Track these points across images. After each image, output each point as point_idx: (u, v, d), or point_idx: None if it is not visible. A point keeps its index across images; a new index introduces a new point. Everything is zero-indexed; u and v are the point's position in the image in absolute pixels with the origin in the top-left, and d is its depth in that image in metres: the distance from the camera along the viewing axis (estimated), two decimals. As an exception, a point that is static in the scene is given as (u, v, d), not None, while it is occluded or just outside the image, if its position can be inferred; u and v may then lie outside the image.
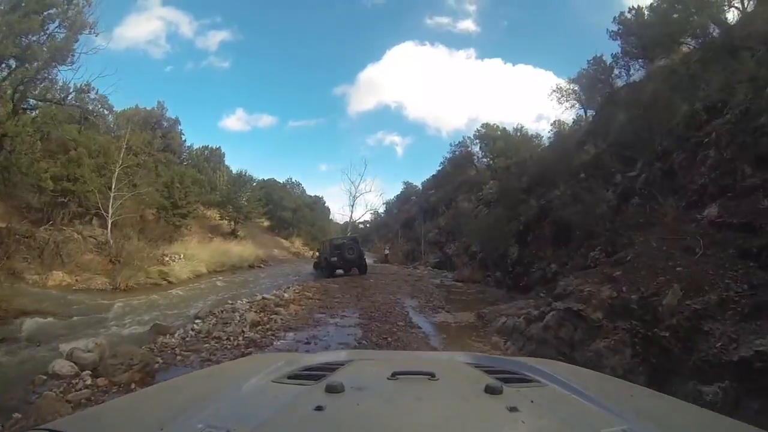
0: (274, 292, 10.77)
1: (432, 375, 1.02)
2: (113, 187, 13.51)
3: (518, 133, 32.17)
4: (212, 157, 31.90)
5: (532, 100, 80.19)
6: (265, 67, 68.34)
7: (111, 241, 12.36)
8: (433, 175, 39.46)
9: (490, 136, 31.61)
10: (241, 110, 77.44)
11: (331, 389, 0.88)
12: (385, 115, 72.49)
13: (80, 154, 12.79)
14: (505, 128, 31.97)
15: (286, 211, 34.41)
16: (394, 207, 51.10)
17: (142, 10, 64.86)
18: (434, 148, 79.63)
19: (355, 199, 33.78)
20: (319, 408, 0.80)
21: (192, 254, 14.66)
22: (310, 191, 41.45)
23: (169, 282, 12.07)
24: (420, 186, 45.15)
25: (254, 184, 30.00)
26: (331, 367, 1.14)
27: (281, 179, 40.65)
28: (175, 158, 23.08)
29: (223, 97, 68.92)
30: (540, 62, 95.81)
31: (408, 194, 48.81)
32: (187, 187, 18.82)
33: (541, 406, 0.90)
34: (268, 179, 39.09)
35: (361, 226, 50.22)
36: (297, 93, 69.86)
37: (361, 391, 0.92)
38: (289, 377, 1.08)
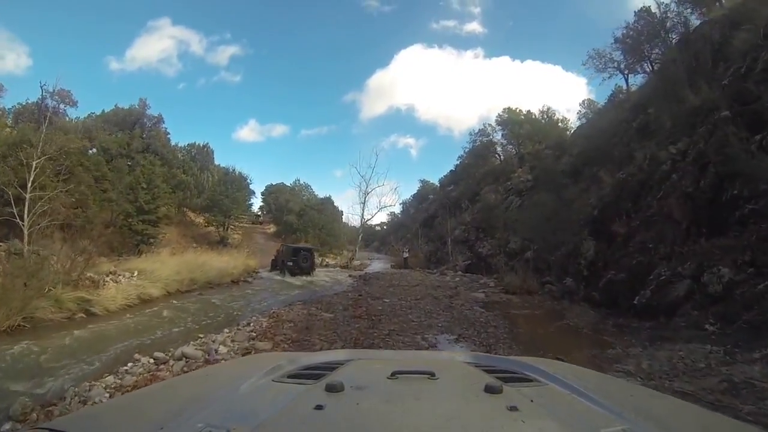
0: (225, 331, 7.49)
1: (432, 374, 1.02)
2: (28, 186, 11.30)
3: (545, 116, 29.70)
4: (200, 156, 27.88)
5: (543, 95, 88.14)
6: (276, 77, 73.65)
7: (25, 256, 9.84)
8: (451, 171, 38.41)
9: (513, 121, 29.41)
10: (254, 121, 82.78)
11: (331, 389, 0.90)
12: (396, 119, 77.28)
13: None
14: (530, 111, 29.89)
15: (291, 214, 32.36)
16: (411, 207, 50.50)
17: (153, 30, 71.15)
18: (447, 147, 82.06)
19: (366, 195, 30.28)
20: (318, 407, 0.80)
21: (151, 270, 12.06)
22: (324, 196, 39.95)
23: (90, 314, 8.85)
24: (437, 183, 43.86)
25: (247, 182, 26.40)
26: (331, 367, 1.15)
27: (289, 183, 39.97)
28: (156, 159, 19.04)
29: (236, 109, 73.01)
30: (548, 58, 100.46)
31: (425, 192, 47.99)
32: (156, 188, 14.73)
33: (540, 405, 0.89)
34: (276, 183, 39.22)
35: (377, 228, 48.66)
36: (308, 102, 74.95)
37: (360, 391, 0.93)
38: (289, 376, 1.09)
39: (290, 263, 18.78)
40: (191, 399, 0.94)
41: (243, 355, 5.40)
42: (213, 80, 66.79)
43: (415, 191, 49.99)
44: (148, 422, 0.82)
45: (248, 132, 78.95)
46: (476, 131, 32.35)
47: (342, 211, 37.39)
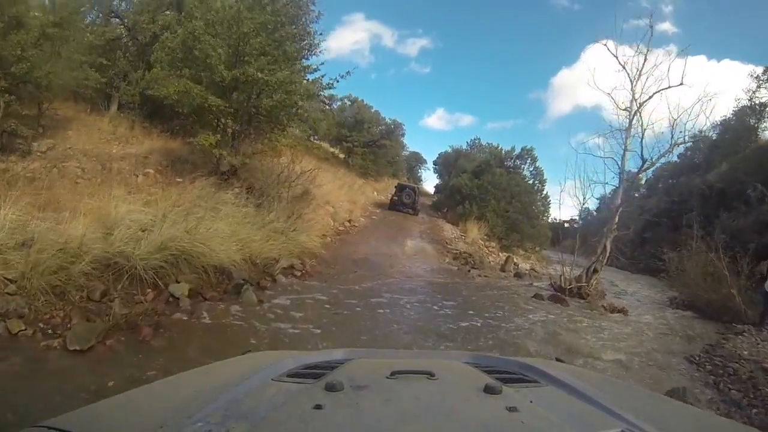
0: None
1: (431, 374, 1.02)
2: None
3: None
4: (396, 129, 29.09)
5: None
6: (463, 70, 78.80)
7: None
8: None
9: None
10: (442, 110, 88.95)
11: (330, 388, 0.89)
12: (583, 117, 70.29)
13: None
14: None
15: (464, 175, 21.62)
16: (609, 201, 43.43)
17: (347, 24, 75.85)
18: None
19: (636, 80, 12.02)
20: (317, 407, 0.80)
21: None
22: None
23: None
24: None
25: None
26: (330, 366, 1.15)
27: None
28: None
29: (424, 98, 78.79)
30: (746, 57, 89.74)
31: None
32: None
33: (540, 406, 0.90)
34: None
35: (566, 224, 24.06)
36: (493, 97, 77.56)
37: (360, 390, 0.92)
38: (289, 375, 1.09)
39: (395, 198, 19.17)
40: (190, 397, 0.95)
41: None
42: (403, 71, 76.69)
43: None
44: (147, 420, 0.83)
45: (436, 120, 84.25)
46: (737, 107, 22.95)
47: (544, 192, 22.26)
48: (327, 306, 6.12)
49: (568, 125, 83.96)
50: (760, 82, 21.98)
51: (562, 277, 10.90)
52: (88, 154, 9.23)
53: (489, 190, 18.97)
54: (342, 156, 26.81)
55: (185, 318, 4.68)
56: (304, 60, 8.71)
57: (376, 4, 79.27)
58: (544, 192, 22.26)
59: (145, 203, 6.33)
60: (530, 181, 22.09)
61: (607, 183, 12.25)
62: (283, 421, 0.78)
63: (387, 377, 0.99)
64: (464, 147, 33.85)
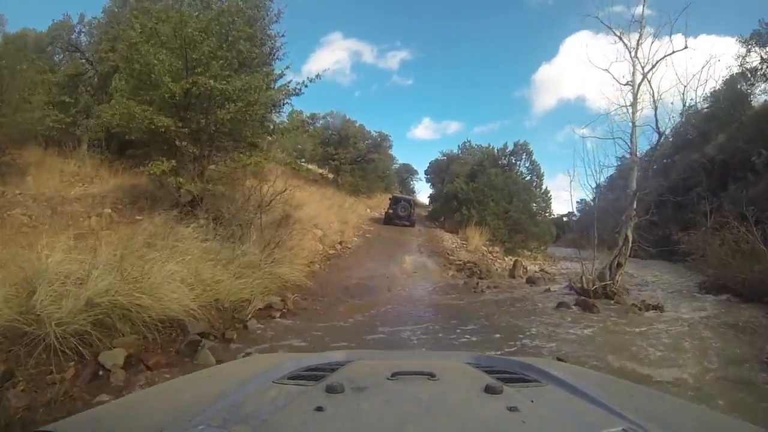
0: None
1: (432, 375, 1.03)
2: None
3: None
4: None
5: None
6: (445, 77, 77.43)
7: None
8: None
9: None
10: (428, 119, 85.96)
11: (331, 390, 0.90)
12: (567, 110, 72.98)
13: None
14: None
15: (458, 179, 21.12)
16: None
17: (325, 45, 74.62)
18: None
19: (635, 49, 10.97)
20: (319, 409, 0.81)
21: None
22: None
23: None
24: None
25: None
26: (330, 368, 1.15)
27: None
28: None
29: (410, 109, 77.51)
30: (723, 29, 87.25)
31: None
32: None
33: (541, 406, 0.90)
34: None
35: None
36: (478, 101, 75.68)
37: (360, 392, 0.93)
38: (289, 378, 1.08)
39: (390, 211, 18.74)
40: (191, 401, 0.94)
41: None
42: (386, 85, 73.85)
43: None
44: (147, 425, 0.83)
45: (423, 130, 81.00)
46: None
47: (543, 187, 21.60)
48: (305, 355, 4.70)
49: (555, 119, 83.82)
50: (750, 45, 21.37)
51: (583, 278, 9.66)
52: (38, 198, 8.40)
53: (486, 192, 17.97)
54: (331, 176, 26.03)
55: (113, 399, 3.51)
56: (268, 66, 7.71)
57: (352, 21, 79.17)
58: (544, 187, 21.62)
59: (91, 249, 5.24)
60: (527, 178, 21.47)
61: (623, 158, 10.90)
62: (284, 423, 0.78)
63: (387, 378, 1.00)
64: (455, 151, 32.99)
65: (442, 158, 33.78)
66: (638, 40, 10.88)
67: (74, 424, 0.88)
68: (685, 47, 10.41)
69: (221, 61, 6.56)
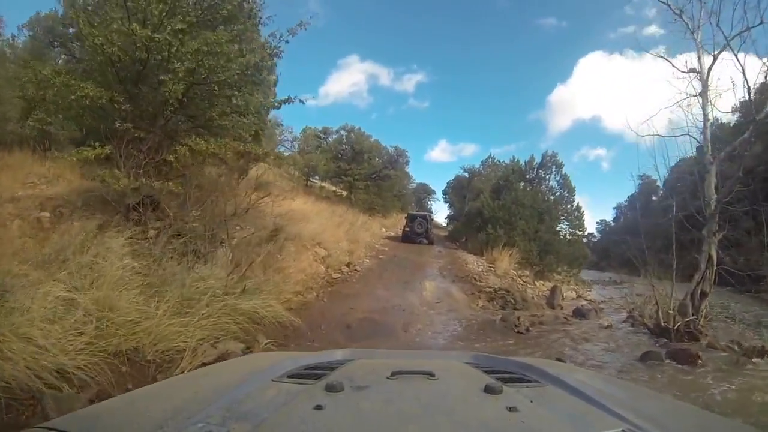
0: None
1: (431, 375, 1.02)
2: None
3: None
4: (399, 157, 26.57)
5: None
6: (461, 100, 77.88)
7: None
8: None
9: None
10: (444, 141, 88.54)
11: (331, 388, 0.89)
12: (583, 131, 76.64)
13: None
14: None
15: (479, 198, 20.01)
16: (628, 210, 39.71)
17: (343, 67, 79.22)
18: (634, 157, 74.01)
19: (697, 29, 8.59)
20: (318, 407, 0.80)
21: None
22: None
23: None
24: (661, 180, 26.08)
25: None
26: (331, 366, 1.14)
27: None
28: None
29: (426, 132, 77.85)
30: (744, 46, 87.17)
31: (646, 192, 33.82)
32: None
33: (540, 406, 0.89)
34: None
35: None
36: (494, 123, 77.08)
37: (360, 391, 0.92)
38: (289, 376, 1.08)
39: (407, 229, 18.33)
40: (190, 398, 0.92)
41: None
42: (402, 108, 76.03)
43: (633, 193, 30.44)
44: (147, 421, 0.81)
45: (439, 152, 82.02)
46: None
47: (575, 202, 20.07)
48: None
49: (570, 140, 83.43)
50: None
51: (659, 312, 7.37)
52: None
53: (513, 209, 16.16)
54: (344, 193, 24.39)
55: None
56: (240, 24, 5.78)
57: (368, 45, 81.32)
58: (575, 203, 19.70)
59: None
60: (558, 193, 19.81)
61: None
62: (283, 421, 0.77)
63: (387, 378, 0.99)
64: (477, 166, 31.37)
65: (463, 174, 32.14)
66: (698, 20, 9.07)
67: (74, 420, 0.85)
68: (761, 23, 8.63)
69: (180, 17, 4.87)
